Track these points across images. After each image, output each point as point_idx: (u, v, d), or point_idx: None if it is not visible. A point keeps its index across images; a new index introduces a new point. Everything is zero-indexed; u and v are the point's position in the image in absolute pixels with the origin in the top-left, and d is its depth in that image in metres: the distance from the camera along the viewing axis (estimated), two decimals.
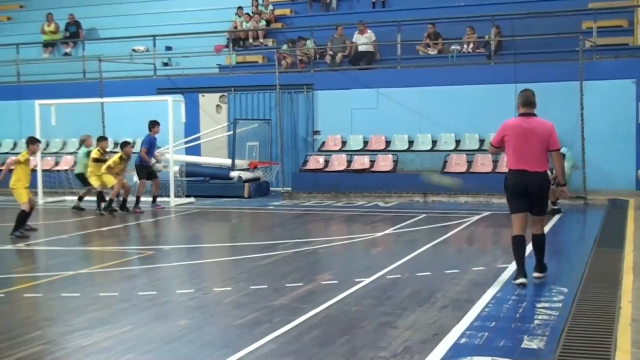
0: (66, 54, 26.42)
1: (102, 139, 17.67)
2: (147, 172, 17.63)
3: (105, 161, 17.08)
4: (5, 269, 11.14)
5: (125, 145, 17.35)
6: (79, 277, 9.95)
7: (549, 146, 8.46)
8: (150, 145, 17.69)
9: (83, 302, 8.41)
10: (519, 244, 8.61)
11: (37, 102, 20.07)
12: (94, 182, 17.12)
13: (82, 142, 18.26)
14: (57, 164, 22.47)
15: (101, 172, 17.00)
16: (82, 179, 17.65)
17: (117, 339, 6.89)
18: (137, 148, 18.33)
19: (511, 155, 8.55)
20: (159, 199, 18.05)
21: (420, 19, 21.67)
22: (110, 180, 16.94)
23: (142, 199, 17.50)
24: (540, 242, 8.82)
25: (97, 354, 6.50)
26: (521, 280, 8.49)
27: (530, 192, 8.47)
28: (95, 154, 17.23)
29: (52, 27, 26.96)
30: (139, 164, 17.64)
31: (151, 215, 16.96)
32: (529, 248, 8.87)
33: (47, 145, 22.02)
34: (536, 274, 8.86)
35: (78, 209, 17.55)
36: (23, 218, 13.64)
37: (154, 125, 17.81)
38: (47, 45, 26.85)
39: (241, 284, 9.25)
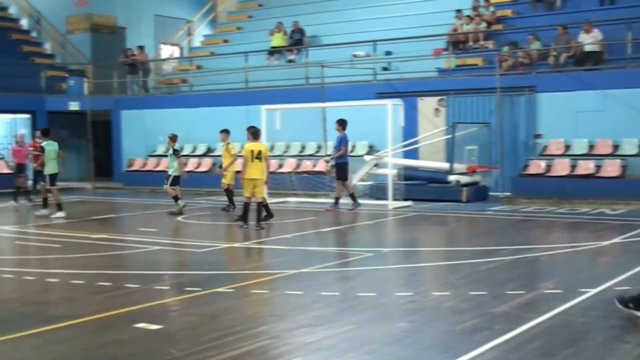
0: (290, 61, 27.46)
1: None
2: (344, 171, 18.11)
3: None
4: (234, 265, 11.82)
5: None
6: (301, 276, 10.29)
7: None
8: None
9: (306, 300, 8.69)
10: None
11: (263, 107, 20.99)
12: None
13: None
14: (280, 166, 23.43)
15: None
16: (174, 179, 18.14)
17: (338, 337, 7.05)
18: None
19: None
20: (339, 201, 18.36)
21: None
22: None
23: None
24: None
25: (320, 351, 6.68)
26: None
27: None
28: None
29: (281, 34, 28.17)
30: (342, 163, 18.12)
31: (369, 217, 17.19)
32: None
33: (272, 148, 22.97)
34: None
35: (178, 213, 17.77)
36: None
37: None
38: (272, 52, 28.07)
39: (460, 288, 9.16)
